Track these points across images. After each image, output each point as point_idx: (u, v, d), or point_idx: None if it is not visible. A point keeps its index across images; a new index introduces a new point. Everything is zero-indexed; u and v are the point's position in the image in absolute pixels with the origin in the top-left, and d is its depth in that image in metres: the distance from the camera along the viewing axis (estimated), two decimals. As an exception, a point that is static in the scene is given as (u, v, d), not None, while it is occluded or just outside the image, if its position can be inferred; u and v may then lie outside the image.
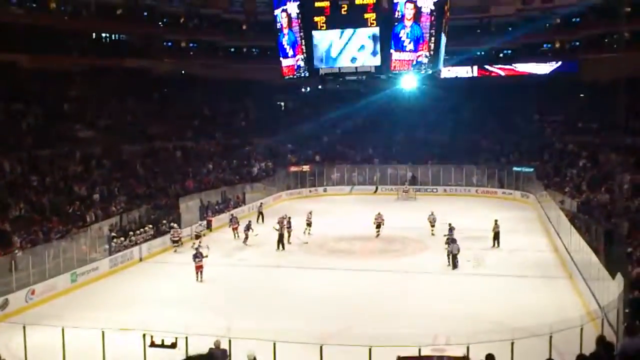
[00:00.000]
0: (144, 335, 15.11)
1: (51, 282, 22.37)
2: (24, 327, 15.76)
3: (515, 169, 43.64)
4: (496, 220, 29.36)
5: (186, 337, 14.65)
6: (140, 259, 27.55)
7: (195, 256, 24.46)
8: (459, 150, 47.38)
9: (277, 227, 29.48)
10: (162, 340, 15.13)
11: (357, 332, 16.94)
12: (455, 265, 25.11)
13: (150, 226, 29.72)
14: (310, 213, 32.55)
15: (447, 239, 26.11)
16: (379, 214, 32.24)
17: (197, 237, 30.39)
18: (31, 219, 26.69)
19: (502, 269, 24.81)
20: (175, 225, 30.38)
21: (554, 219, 30.08)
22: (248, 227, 30.61)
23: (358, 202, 42.61)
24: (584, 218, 28.00)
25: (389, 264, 26.31)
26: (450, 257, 25.31)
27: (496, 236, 28.92)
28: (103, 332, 15.42)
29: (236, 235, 31.73)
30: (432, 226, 31.49)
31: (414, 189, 44.98)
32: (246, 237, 30.27)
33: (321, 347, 14.43)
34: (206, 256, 24.51)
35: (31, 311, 20.43)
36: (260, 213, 35.95)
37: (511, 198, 42.79)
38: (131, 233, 28.16)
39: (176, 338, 14.89)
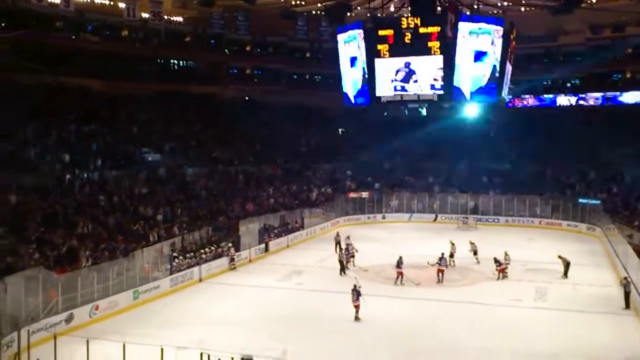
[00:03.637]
0: (201, 354, 15.29)
1: (114, 299, 22.97)
2: (87, 341, 16.22)
3: (581, 200, 42.26)
4: (560, 256, 28.76)
5: (242, 358, 14.75)
6: (200, 279, 28.01)
7: (354, 292, 22.01)
8: (522, 180, 46.39)
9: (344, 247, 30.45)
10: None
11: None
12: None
13: (211, 247, 30.26)
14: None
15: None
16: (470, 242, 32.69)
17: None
18: (98, 237, 27.56)
19: (565, 303, 23.99)
20: (230, 244, 31.00)
21: (622, 254, 28.99)
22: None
23: (417, 230, 42.22)
24: (653, 253, 26.86)
25: (447, 294, 25.84)
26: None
27: (567, 267, 28.26)
28: (162, 349, 15.68)
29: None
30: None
31: (475, 218, 44.25)
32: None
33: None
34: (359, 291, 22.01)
35: (94, 326, 21.00)
36: (338, 243, 34.06)
37: (576, 231, 41.44)
38: (192, 253, 28.73)
39: (232, 358, 15.07)
